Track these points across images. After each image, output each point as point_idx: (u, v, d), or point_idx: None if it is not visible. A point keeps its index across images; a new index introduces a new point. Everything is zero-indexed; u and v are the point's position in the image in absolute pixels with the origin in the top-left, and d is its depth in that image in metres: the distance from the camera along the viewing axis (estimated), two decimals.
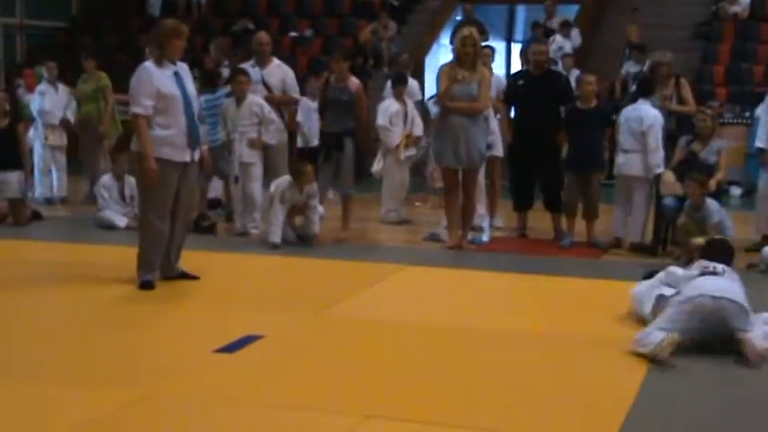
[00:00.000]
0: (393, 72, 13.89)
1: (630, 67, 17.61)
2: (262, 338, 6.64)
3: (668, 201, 9.93)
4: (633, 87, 16.64)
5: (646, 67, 15.05)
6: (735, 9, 19.76)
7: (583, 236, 10.60)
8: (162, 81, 8.03)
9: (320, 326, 7.22)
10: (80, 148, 13.77)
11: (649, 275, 7.40)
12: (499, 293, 8.62)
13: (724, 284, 6.58)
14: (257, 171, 10.92)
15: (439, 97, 10.23)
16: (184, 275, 8.51)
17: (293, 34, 21.28)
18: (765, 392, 5.82)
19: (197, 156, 8.34)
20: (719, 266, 6.81)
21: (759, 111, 10.92)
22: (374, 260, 9.68)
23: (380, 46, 20.18)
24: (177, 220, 8.37)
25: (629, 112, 10.27)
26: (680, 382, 5.93)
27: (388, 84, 12.93)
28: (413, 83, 13.44)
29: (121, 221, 11.39)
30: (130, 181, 11.51)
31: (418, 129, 12.24)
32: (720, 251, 7.14)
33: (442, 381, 5.84)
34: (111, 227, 11.31)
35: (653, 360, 6.14)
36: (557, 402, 5.50)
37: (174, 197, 8.25)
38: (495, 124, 11.19)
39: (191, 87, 8.28)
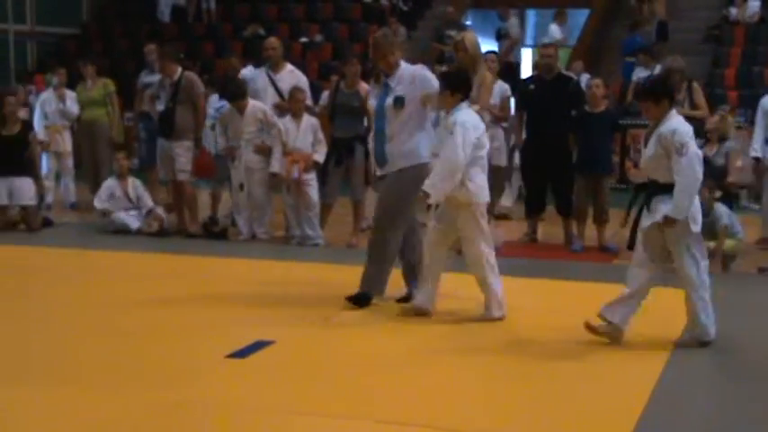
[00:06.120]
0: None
1: (640, 72, 17.60)
2: (273, 344, 6.64)
3: None
4: None
5: (656, 72, 15.05)
6: (744, 13, 19.75)
7: (594, 240, 10.60)
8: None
9: (331, 331, 7.22)
10: (83, 153, 13.78)
11: None
12: (513, 298, 8.59)
13: None
14: (263, 176, 10.92)
15: None
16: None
17: (304, 40, 21.31)
18: None
19: (383, 171, 7.87)
20: None
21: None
22: None
23: None
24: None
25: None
26: (697, 381, 5.93)
27: None
28: None
29: (134, 223, 11.44)
30: (134, 181, 11.63)
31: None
32: None
33: (458, 386, 5.84)
34: (124, 230, 11.36)
35: None
36: (573, 402, 5.49)
37: None
38: (499, 133, 11.14)
39: (389, 100, 7.80)
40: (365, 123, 10.68)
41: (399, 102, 7.72)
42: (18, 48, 22.10)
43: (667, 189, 6.54)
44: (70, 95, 13.72)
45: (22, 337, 6.97)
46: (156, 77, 12.36)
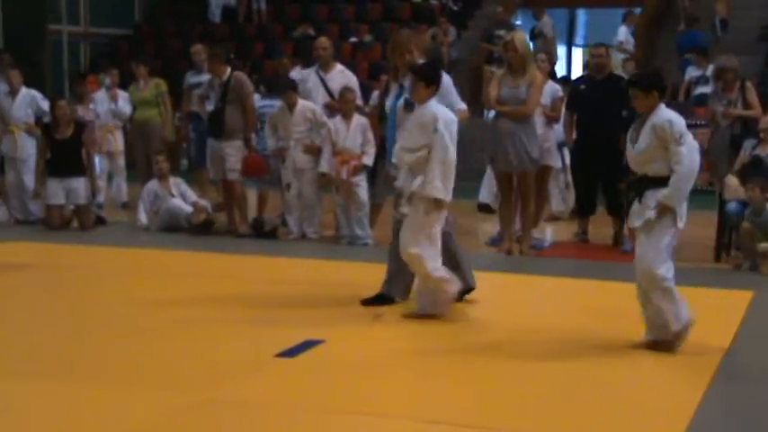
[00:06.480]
0: None
1: (692, 72, 17.44)
2: (322, 343, 6.66)
3: (731, 206, 9.81)
4: (696, 91, 16.59)
5: (709, 72, 14.91)
6: None
7: None
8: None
9: (381, 330, 7.22)
10: (135, 153, 13.89)
11: None
12: (561, 299, 8.56)
13: None
14: (313, 176, 10.95)
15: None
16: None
17: (353, 40, 21.35)
18: None
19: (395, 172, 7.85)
20: None
21: None
22: None
23: (440, 51, 20.15)
24: None
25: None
26: (747, 387, 5.88)
27: None
28: None
29: (188, 208, 11.59)
30: (175, 180, 11.85)
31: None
32: None
33: (500, 386, 5.82)
34: (176, 222, 11.54)
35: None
36: (618, 408, 5.47)
37: None
38: (550, 133, 11.09)
39: (401, 102, 7.86)
40: None
41: (410, 105, 7.66)
42: (71, 48, 22.32)
43: (659, 182, 6.41)
44: (122, 96, 13.85)
45: (67, 334, 7.03)
46: (202, 78, 12.45)
